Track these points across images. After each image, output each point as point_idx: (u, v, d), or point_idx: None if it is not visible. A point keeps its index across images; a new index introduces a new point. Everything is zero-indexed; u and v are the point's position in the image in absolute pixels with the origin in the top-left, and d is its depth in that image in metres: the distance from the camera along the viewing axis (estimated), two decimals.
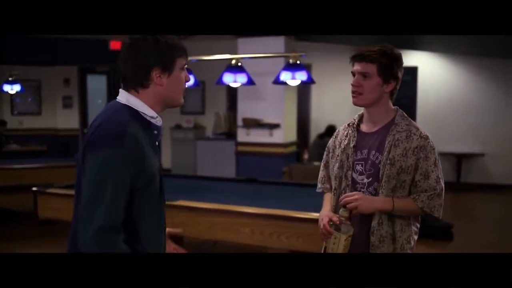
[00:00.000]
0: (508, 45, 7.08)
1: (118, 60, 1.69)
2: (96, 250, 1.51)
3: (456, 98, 9.30)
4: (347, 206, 2.01)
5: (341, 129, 2.27)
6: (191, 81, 4.67)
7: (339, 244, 2.03)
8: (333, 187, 2.18)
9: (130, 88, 1.68)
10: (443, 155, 8.53)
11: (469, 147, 9.23)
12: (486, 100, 9.19)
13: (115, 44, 9.30)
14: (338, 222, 2.03)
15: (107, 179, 1.52)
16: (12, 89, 7.77)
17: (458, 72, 9.35)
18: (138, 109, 1.66)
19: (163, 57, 1.65)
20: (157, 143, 1.73)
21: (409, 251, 2.06)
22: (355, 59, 2.08)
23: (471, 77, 9.29)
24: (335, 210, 2.17)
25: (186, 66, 1.75)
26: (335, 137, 2.29)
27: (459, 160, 9.19)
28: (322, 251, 2.21)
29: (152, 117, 1.68)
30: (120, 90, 1.71)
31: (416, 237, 2.12)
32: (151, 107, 1.68)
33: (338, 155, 2.20)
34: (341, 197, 2.08)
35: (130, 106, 1.66)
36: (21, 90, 7.94)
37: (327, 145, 2.34)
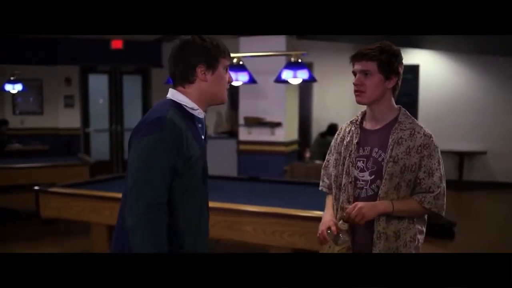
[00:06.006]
0: (509, 43, 7.07)
1: (168, 60, 1.86)
2: (144, 227, 1.63)
3: (458, 96, 9.29)
4: (357, 222, 2.00)
5: (343, 127, 2.28)
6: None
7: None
8: (333, 182, 2.19)
9: (178, 84, 1.85)
10: (445, 153, 8.46)
11: (471, 145, 9.22)
12: (488, 98, 9.18)
13: (116, 43, 9.29)
14: (335, 233, 2.05)
15: (152, 160, 1.67)
16: (14, 88, 7.80)
17: (459, 70, 9.34)
18: (181, 102, 1.82)
19: (208, 55, 1.82)
20: (203, 137, 1.88)
21: (413, 250, 2.05)
22: (354, 58, 2.09)
23: (472, 75, 9.28)
24: (336, 209, 2.17)
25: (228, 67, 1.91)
26: (338, 134, 2.29)
27: (461, 158, 9.18)
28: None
29: (192, 109, 1.83)
30: (170, 89, 1.87)
31: (421, 237, 2.10)
32: (196, 102, 1.84)
33: (340, 152, 2.20)
34: (343, 214, 2.05)
35: (174, 100, 1.83)
36: (22, 90, 7.97)
37: (330, 144, 2.34)
